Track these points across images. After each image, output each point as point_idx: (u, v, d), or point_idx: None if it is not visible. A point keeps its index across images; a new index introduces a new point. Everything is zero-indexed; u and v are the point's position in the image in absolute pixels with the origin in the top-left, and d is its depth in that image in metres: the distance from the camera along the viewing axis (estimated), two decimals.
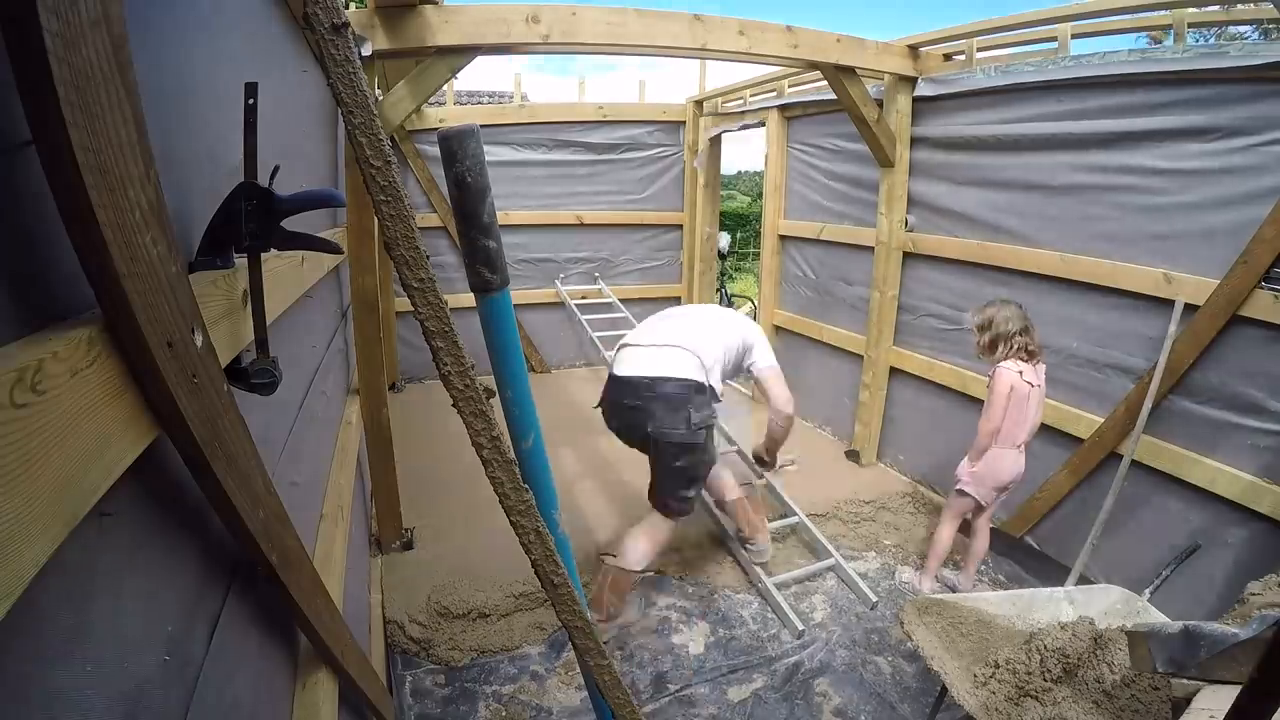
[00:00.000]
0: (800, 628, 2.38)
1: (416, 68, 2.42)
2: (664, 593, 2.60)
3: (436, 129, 3.80)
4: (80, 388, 0.46)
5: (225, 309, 0.83)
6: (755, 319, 5.34)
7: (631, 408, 2.27)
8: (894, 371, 3.54)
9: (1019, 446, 2.39)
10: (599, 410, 2.47)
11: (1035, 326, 2.35)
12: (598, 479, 3.41)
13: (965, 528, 2.65)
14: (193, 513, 0.72)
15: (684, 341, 2.36)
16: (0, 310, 0.45)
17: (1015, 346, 2.32)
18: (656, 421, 2.21)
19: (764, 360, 2.54)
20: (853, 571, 2.66)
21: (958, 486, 2.50)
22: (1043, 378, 2.37)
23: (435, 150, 4.64)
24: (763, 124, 4.36)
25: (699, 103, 4.98)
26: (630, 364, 2.33)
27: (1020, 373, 2.31)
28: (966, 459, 2.49)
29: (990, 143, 2.89)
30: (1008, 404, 2.32)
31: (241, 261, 0.91)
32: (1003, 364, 2.33)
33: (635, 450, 2.40)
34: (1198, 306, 2.17)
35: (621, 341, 2.54)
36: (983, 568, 2.79)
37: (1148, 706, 1.51)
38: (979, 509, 2.52)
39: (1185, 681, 1.43)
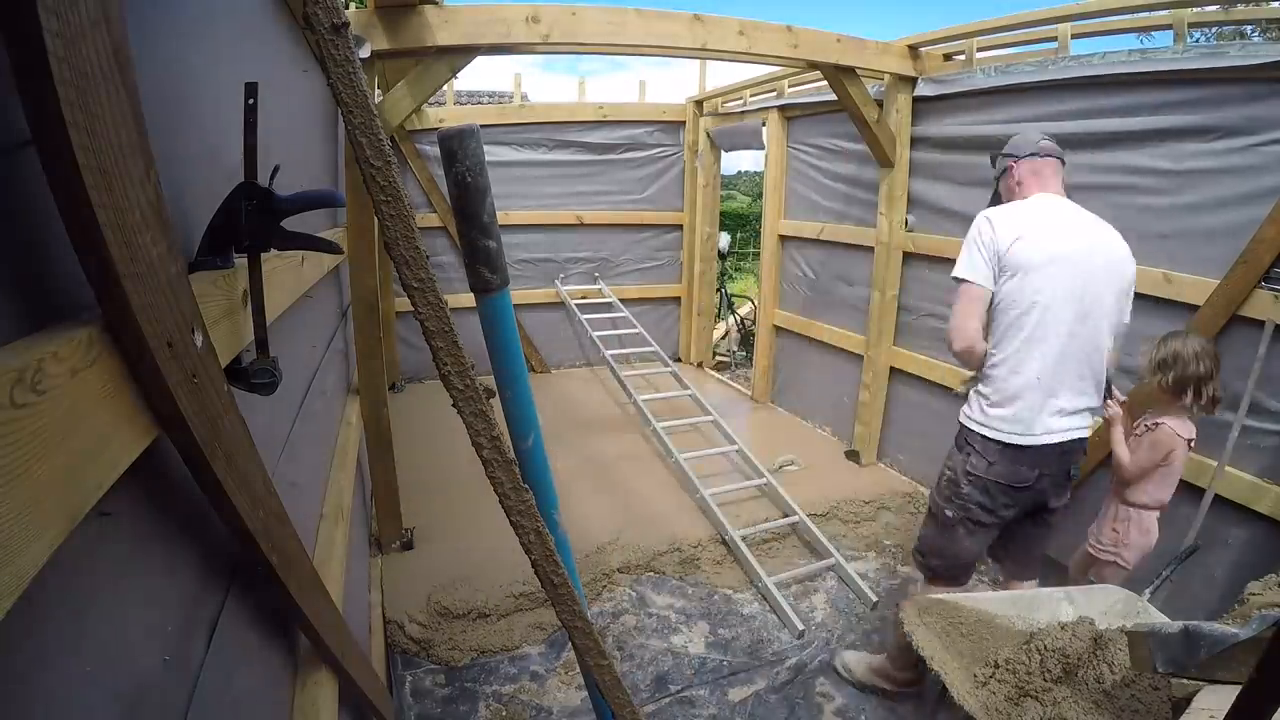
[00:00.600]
0: (800, 627, 2.38)
1: (416, 68, 2.42)
2: (664, 593, 2.60)
3: (436, 129, 3.81)
4: (80, 388, 0.46)
5: (225, 309, 0.83)
6: (755, 319, 5.35)
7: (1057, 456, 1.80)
8: (894, 371, 3.54)
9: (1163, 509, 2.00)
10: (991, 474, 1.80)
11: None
12: (598, 479, 3.41)
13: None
14: (193, 513, 0.72)
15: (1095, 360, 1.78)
16: (0, 310, 0.45)
17: (1206, 396, 1.82)
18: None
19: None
20: (853, 571, 2.67)
21: (1111, 560, 2.03)
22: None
23: (435, 150, 4.66)
24: (763, 124, 4.36)
25: (699, 103, 4.98)
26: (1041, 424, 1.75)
27: (1190, 441, 1.88)
28: (1117, 534, 2.02)
29: (990, 143, 2.88)
30: (1158, 468, 1.92)
31: (241, 261, 0.91)
32: (1170, 422, 1.88)
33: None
34: (1197, 306, 2.17)
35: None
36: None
37: (1148, 706, 1.51)
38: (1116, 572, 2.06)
39: (1185, 681, 1.43)
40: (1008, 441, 1.76)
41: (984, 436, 1.79)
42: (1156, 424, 1.93)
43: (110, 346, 0.51)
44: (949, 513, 1.89)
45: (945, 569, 1.95)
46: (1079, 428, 1.79)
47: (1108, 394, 1.92)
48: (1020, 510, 1.85)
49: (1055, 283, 1.69)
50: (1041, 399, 1.73)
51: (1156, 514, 2.01)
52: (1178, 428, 1.89)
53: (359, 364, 2.56)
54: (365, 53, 2.24)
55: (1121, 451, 1.97)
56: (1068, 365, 1.73)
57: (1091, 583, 2.01)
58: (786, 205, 4.32)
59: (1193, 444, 1.93)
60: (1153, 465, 1.92)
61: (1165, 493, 1.98)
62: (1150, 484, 1.96)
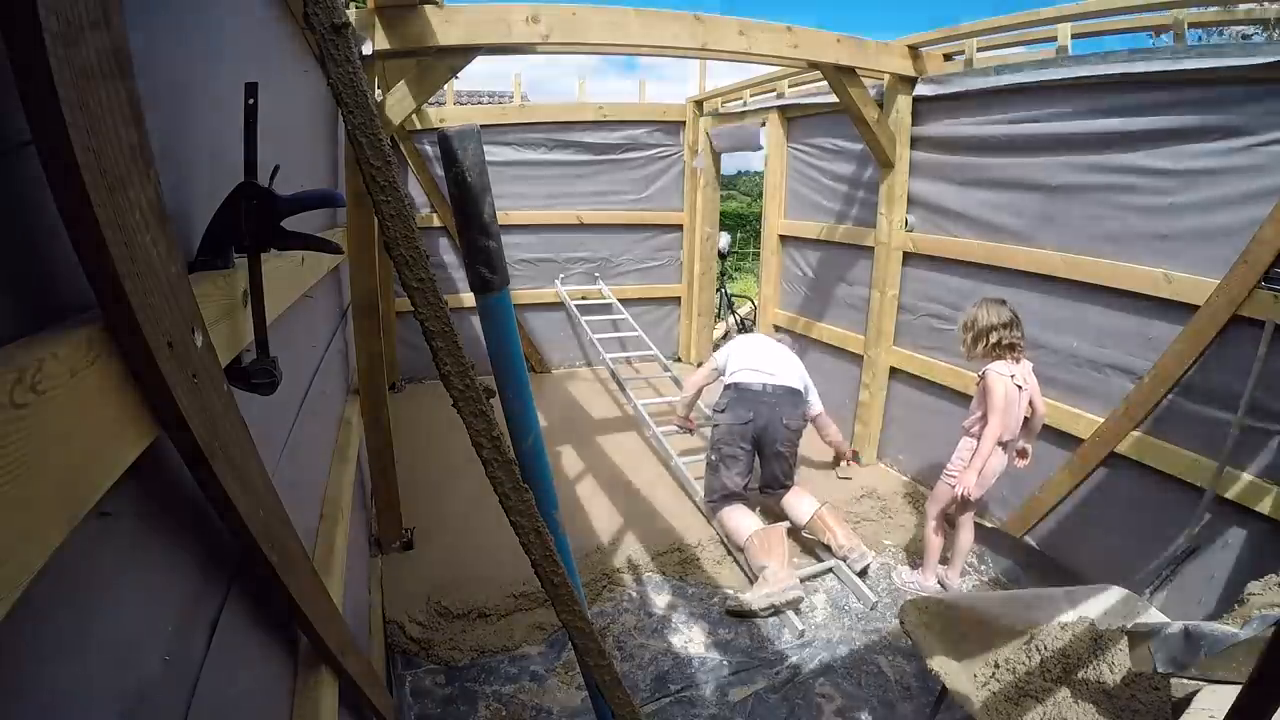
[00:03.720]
0: (800, 628, 2.38)
1: (416, 68, 2.42)
2: (664, 593, 2.60)
3: (436, 129, 3.81)
4: (80, 388, 0.46)
5: (225, 309, 0.83)
6: (755, 319, 5.36)
7: (766, 404, 2.84)
8: (894, 371, 3.54)
9: (1005, 445, 2.43)
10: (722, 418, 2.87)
11: (1019, 322, 2.35)
12: (598, 479, 3.41)
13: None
14: (193, 513, 0.72)
15: (786, 365, 3.04)
16: (0, 310, 0.45)
17: (992, 341, 2.32)
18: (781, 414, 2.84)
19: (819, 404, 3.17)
20: (851, 572, 2.66)
21: (959, 491, 2.41)
22: (1031, 376, 2.38)
23: (435, 150, 4.66)
24: (763, 125, 4.36)
25: (699, 103, 4.98)
26: (756, 376, 2.92)
27: (1012, 376, 2.32)
28: (960, 460, 2.46)
29: (990, 143, 2.89)
30: (1004, 407, 2.32)
31: (241, 261, 0.91)
32: (991, 367, 2.34)
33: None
34: (1197, 306, 2.17)
35: (739, 370, 2.99)
36: (982, 567, 2.79)
37: (1148, 706, 1.51)
38: (964, 505, 2.51)
39: (1185, 681, 1.43)
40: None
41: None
42: (983, 373, 2.37)
43: (110, 346, 0.51)
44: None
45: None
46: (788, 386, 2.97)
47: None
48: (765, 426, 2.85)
49: None
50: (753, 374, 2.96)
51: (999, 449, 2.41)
52: (999, 368, 2.34)
53: (359, 364, 2.56)
54: (365, 50, 2.23)
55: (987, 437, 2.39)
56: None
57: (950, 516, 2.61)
58: (786, 205, 4.32)
59: (1026, 388, 2.35)
60: (996, 411, 2.33)
61: (997, 421, 2.33)
62: (985, 416, 2.37)
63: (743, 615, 2.46)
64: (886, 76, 3.19)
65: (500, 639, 2.30)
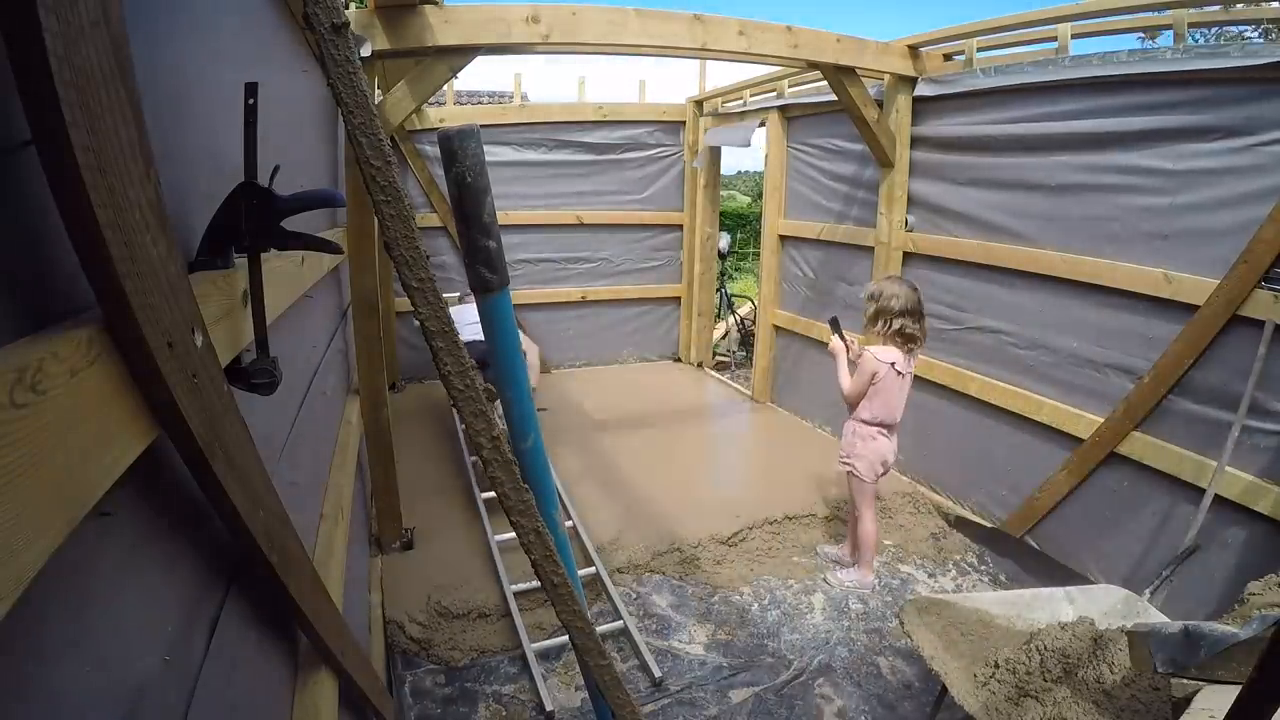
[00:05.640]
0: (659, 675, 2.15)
1: (416, 68, 2.42)
2: (664, 593, 2.60)
3: (436, 129, 3.81)
4: (80, 388, 0.46)
5: (225, 309, 0.83)
6: (755, 319, 5.36)
7: None
8: None
9: (891, 430, 2.49)
10: None
11: (926, 316, 2.40)
12: (598, 479, 3.41)
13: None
14: (193, 513, 0.72)
15: None
16: (0, 310, 0.45)
17: (894, 327, 2.33)
18: None
19: None
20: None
21: (848, 469, 2.53)
22: (912, 366, 2.43)
23: (435, 150, 4.67)
24: (763, 124, 4.36)
25: (699, 103, 4.98)
26: None
27: (893, 363, 2.36)
28: (847, 443, 2.53)
29: (990, 143, 2.89)
30: (869, 388, 2.40)
31: (241, 261, 0.91)
32: (874, 349, 2.38)
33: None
34: (1197, 306, 2.17)
35: None
36: (982, 567, 2.79)
37: (1148, 706, 1.51)
38: (855, 482, 2.55)
39: (1185, 681, 1.43)
40: None
41: None
42: (861, 352, 2.42)
43: (110, 346, 0.51)
44: None
45: None
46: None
47: (835, 332, 2.54)
48: None
49: None
50: None
51: (880, 431, 2.47)
52: (879, 354, 2.36)
53: (359, 364, 2.56)
54: (366, 52, 2.24)
55: (842, 379, 2.48)
56: None
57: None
58: (786, 205, 4.32)
59: (903, 373, 2.39)
60: (864, 385, 2.40)
61: (883, 411, 2.43)
62: (868, 403, 2.43)
63: None
64: (886, 76, 3.19)
65: (500, 639, 2.30)
